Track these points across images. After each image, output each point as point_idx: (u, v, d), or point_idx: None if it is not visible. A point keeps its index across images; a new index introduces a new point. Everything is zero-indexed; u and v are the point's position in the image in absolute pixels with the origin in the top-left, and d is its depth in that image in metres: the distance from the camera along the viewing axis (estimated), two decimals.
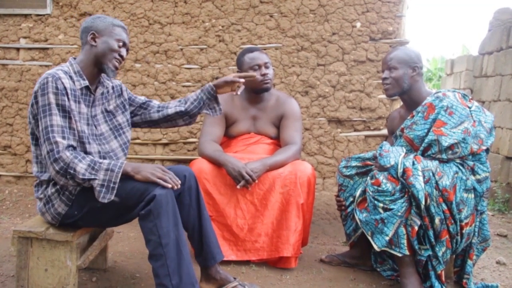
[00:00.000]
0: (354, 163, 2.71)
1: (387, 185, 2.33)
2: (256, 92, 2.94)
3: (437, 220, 2.32)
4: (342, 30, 4.01)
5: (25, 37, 4.10)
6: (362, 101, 4.03)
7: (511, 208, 4.66)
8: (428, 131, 2.42)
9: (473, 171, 2.42)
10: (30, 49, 4.10)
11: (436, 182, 2.32)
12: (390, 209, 2.33)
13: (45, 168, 2.10)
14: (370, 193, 2.40)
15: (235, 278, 2.34)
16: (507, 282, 2.72)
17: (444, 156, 2.40)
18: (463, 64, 7.20)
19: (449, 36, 33.18)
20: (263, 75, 2.86)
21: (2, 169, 4.17)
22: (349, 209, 2.73)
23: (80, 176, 1.94)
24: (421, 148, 2.44)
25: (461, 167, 2.40)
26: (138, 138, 4.07)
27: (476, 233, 2.48)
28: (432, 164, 2.36)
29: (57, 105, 1.98)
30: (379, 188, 2.35)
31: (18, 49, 4.11)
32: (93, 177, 1.95)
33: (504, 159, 5.13)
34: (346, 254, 2.88)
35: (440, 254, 2.37)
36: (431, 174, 2.33)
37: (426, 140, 2.41)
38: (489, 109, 5.74)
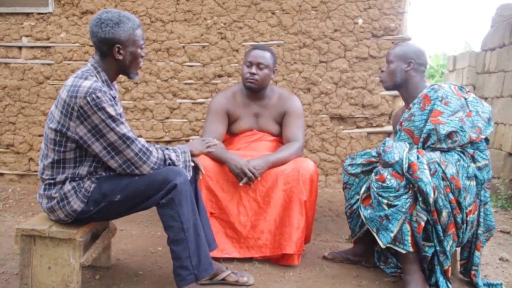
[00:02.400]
0: (359, 161, 2.70)
1: (392, 181, 2.33)
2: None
3: (444, 214, 2.31)
4: (344, 27, 4.00)
5: (27, 36, 4.11)
6: (365, 98, 4.03)
7: None
8: (426, 122, 2.44)
9: (473, 159, 2.44)
10: (32, 47, 4.10)
11: (443, 172, 2.33)
12: (394, 205, 2.32)
13: (62, 170, 2.11)
14: (375, 189, 2.39)
15: (227, 268, 2.46)
16: (510, 279, 2.72)
17: (444, 145, 2.41)
18: (466, 61, 7.18)
19: (451, 33, 33.13)
20: (251, 73, 2.85)
21: (5, 167, 4.18)
22: (354, 207, 2.73)
23: (176, 163, 2.18)
24: (421, 139, 2.45)
25: (462, 155, 2.42)
26: (140, 136, 4.08)
27: (481, 223, 2.47)
28: (436, 155, 2.37)
29: (117, 115, 2.04)
30: (384, 184, 2.35)
31: (20, 47, 4.12)
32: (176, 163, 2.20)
33: (507, 155, 5.12)
34: (349, 251, 2.88)
35: (448, 248, 2.36)
36: (436, 165, 2.33)
37: (424, 131, 2.43)
38: (491, 106, 5.72)
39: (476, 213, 2.42)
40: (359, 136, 4.07)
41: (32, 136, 4.13)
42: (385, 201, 2.35)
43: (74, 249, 2.09)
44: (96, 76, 2.10)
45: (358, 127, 4.09)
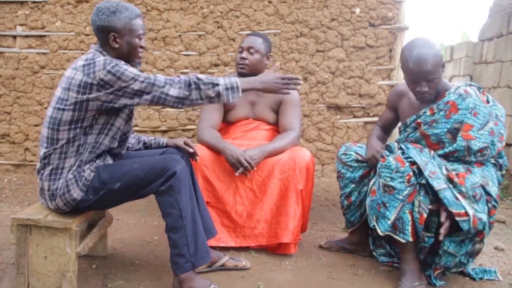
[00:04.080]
0: (353, 156, 2.68)
1: (392, 162, 2.32)
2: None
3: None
4: (341, 16, 3.98)
5: (21, 25, 4.07)
6: (361, 87, 4.02)
7: (510, 195, 4.67)
8: (448, 130, 2.40)
9: (500, 168, 2.46)
10: (27, 36, 4.07)
11: (487, 192, 2.32)
12: (390, 188, 2.32)
13: (66, 154, 2.10)
14: (378, 170, 2.39)
15: (224, 255, 2.51)
16: (505, 268, 2.73)
17: (473, 158, 2.37)
18: (463, 51, 7.17)
19: (449, 22, 33.03)
20: (241, 58, 2.86)
21: (1, 157, 4.16)
22: (352, 198, 2.72)
23: (206, 80, 2.08)
24: (445, 150, 2.40)
25: (495, 167, 2.43)
26: (136, 125, 4.07)
27: None
28: (477, 177, 2.32)
29: (137, 72, 2.05)
30: (383, 164, 2.35)
31: (14, 36, 4.08)
32: (215, 82, 2.10)
33: (504, 145, 5.13)
34: (345, 240, 2.89)
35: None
36: (481, 189, 2.31)
37: (455, 146, 2.36)
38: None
39: None
40: (356, 125, 4.07)
41: (28, 126, 4.11)
42: (382, 180, 2.34)
43: (70, 239, 2.09)
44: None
45: (355, 116, 4.08)
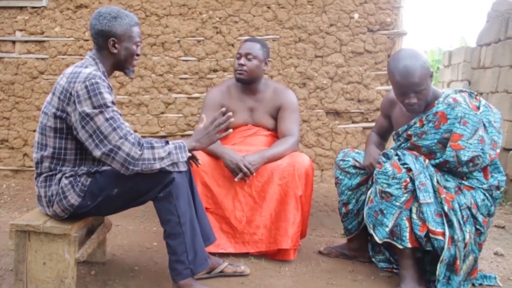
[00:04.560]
0: (351, 162, 2.68)
1: (388, 168, 2.32)
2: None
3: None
4: (340, 21, 3.99)
5: (21, 30, 4.07)
6: (360, 92, 4.03)
7: (509, 200, 4.68)
8: (438, 140, 2.38)
9: (498, 188, 2.41)
10: (26, 42, 4.07)
11: (474, 216, 2.34)
12: (387, 194, 2.32)
13: (63, 161, 2.10)
14: (375, 176, 2.39)
15: (223, 261, 2.49)
16: (504, 273, 2.73)
17: (465, 169, 2.36)
18: (461, 56, 7.19)
19: (447, 28, 33.16)
20: (239, 64, 2.85)
21: (0, 163, 4.15)
22: (350, 206, 2.71)
23: (156, 145, 2.05)
24: (436, 161, 2.40)
25: (487, 195, 2.39)
26: (135, 131, 4.06)
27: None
28: (466, 198, 2.34)
29: (112, 102, 2.03)
30: (380, 170, 2.35)
31: (14, 42, 4.08)
32: (164, 142, 2.09)
33: (502, 150, 5.13)
34: (345, 246, 2.88)
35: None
36: (467, 211, 2.33)
37: (445, 157, 2.35)
38: (487, 101, 5.74)
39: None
40: (354, 131, 4.07)
41: (27, 131, 4.10)
42: (379, 187, 2.34)
43: (69, 245, 2.08)
44: (96, 67, 2.14)
45: (353, 122, 4.09)
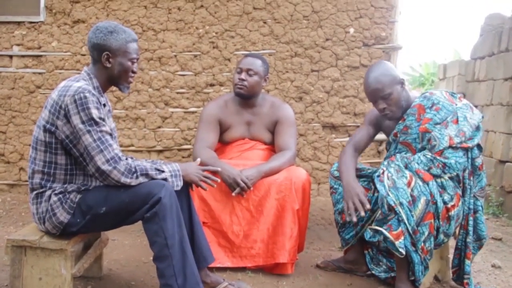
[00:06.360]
0: None
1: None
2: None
3: (422, 200, 2.31)
4: (336, 36, 4.03)
5: (18, 45, 4.09)
6: (356, 106, 4.05)
7: (506, 212, 4.69)
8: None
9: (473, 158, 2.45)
10: (23, 56, 4.09)
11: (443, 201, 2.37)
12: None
13: (53, 177, 2.10)
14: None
15: (224, 279, 2.40)
16: (502, 286, 2.73)
17: (424, 144, 2.42)
18: (456, 69, 7.25)
19: (441, 41, 33.44)
20: (240, 79, 2.87)
21: None
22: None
23: (151, 172, 2.07)
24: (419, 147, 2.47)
25: (458, 185, 2.42)
26: (132, 145, 4.07)
27: (470, 232, 2.48)
28: (433, 186, 2.36)
29: (100, 118, 2.03)
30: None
31: (11, 56, 4.10)
32: (161, 169, 2.11)
33: (498, 162, 5.16)
34: (341, 259, 2.87)
35: (422, 238, 2.33)
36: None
37: (410, 137, 2.48)
38: (482, 113, 5.77)
39: (460, 205, 2.41)
40: None
41: (23, 146, 4.10)
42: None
43: (66, 260, 2.07)
44: (88, 81, 2.13)
45: (350, 135, 4.10)
